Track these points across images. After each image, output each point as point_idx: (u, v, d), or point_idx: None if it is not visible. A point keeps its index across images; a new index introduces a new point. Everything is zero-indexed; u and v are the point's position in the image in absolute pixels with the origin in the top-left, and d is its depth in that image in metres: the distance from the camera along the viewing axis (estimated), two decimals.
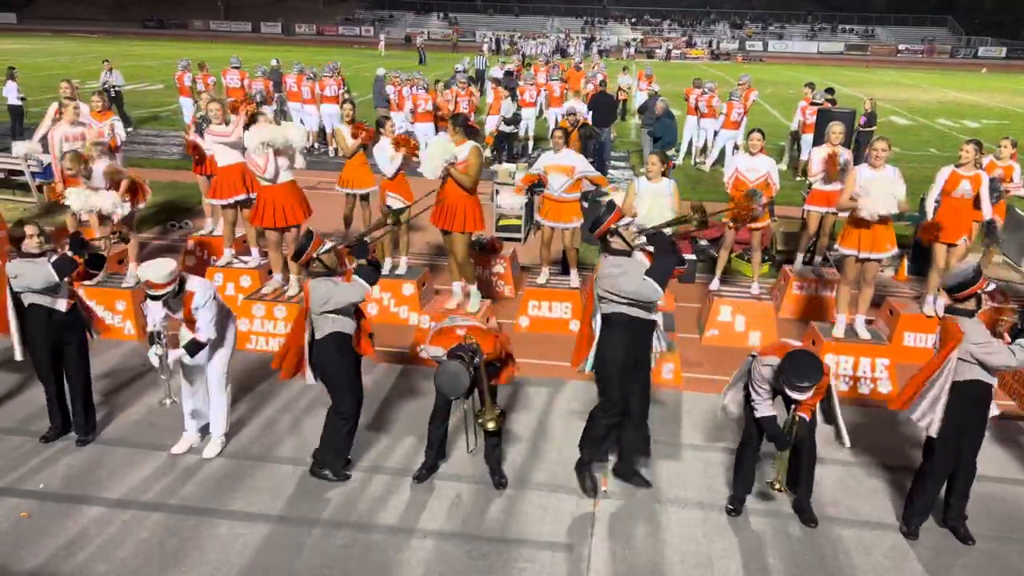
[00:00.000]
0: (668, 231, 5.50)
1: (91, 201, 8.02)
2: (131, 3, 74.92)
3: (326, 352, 5.57)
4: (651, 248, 5.42)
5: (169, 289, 5.54)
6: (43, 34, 58.64)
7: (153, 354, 5.71)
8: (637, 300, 5.28)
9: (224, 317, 5.94)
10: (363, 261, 5.61)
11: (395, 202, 8.69)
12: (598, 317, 5.43)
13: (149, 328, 5.75)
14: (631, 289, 5.21)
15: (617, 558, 5.12)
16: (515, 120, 16.79)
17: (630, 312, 5.36)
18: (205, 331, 5.64)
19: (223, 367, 5.99)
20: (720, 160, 16.83)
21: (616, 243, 5.41)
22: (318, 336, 5.55)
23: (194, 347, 5.66)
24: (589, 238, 11.33)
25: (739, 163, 8.56)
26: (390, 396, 7.14)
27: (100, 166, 8.07)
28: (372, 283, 5.53)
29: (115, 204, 8.06)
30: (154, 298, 5.57)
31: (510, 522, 5.44)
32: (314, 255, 5.48)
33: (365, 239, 5.97)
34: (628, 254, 5.42)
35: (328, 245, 5.56)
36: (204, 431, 6.21)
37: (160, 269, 5.50)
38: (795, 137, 17.06)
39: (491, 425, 5.33)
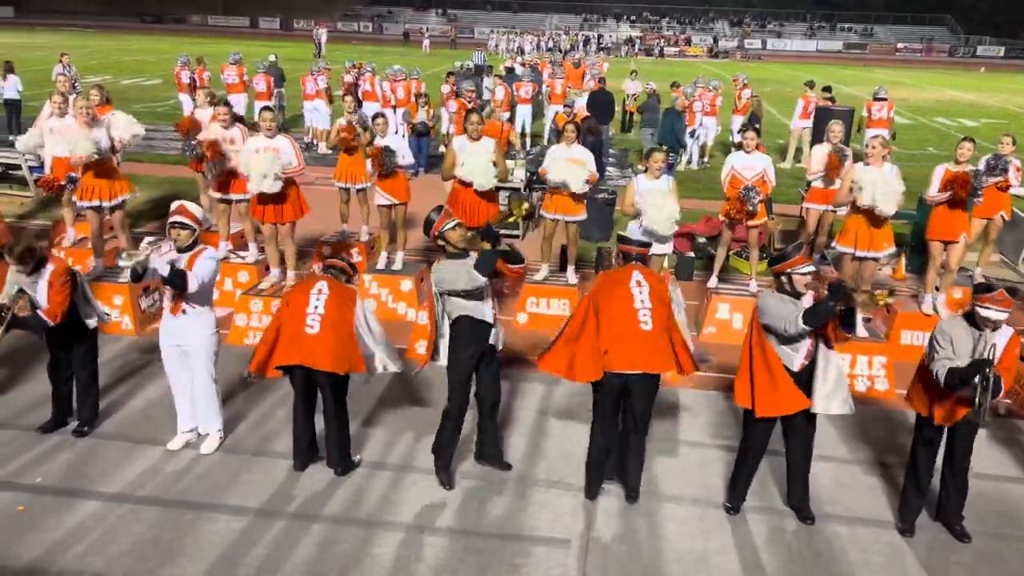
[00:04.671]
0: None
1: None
2: None
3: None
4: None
5: (193, 227, 5.64)
6: (41, 28, 58.48)
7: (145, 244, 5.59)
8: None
9: (210, 296, 5.91)
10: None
11: (383, 200, 8.70)
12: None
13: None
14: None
15: (614, 554, 5.12)
16: (424, 131, 15.64)
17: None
18: (196, 277, 5.57)
19: (208, 366, 5.92)
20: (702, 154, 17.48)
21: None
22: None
23: (179, 276, 5.50)
24: (589, 235, 11.38)
25: (735, 161, 8.56)
26: (388, 392, 7.14)
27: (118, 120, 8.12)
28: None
29: (92, 141, 7.95)
30: (175, 224, 5.61)
31: (507, 518, 5.43)
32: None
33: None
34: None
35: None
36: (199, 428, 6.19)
37: (198, 208, 5.74)
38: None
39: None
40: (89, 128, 8.06)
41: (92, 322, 6.04)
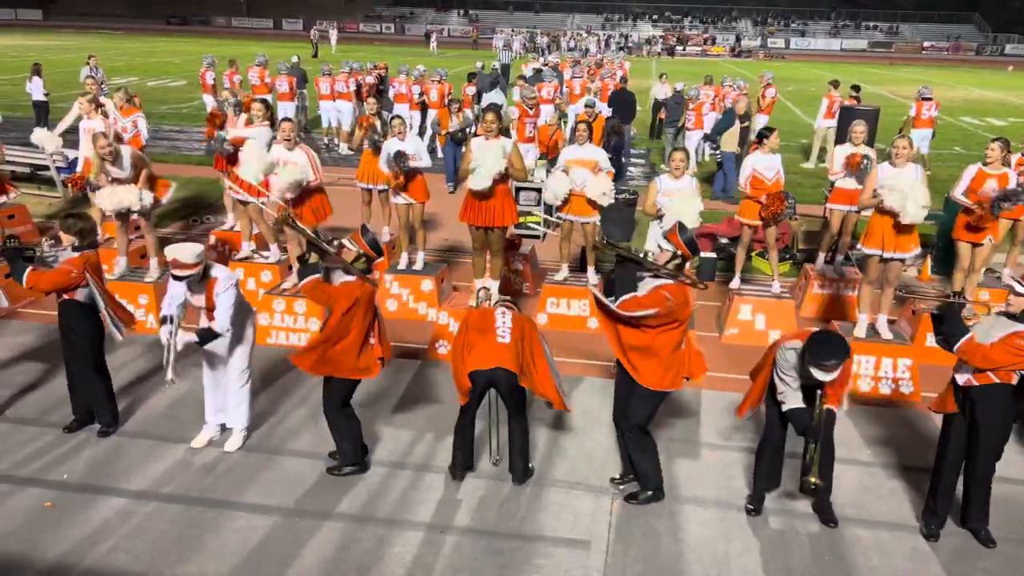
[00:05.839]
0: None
1: (119, 197, 7.99)
2: (156, 0, 75.54)
3: None
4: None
5: (194, 272, 5.59)
6: (68, 30, 59.29)
7: (164, 332, 5.63)
8: None
9: (244, 312, 5.97)
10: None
11: (400, 199, 8.74)
12: None
13: (164, 312, 5.71)
14: None
15: (634, 556, 5.11)
16: (461, 139, 14.42)
17: None
18: (222, 320, 5.65)
19: (244, 362, 6.02)
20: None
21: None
22: None
23: (207, 335, 5.65)
24: (610, 236, 11.34)
25: (755, 162, 8.49)
26: (409, 392, 7.17)
27: (127, 152, 8.09)
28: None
29: (139, 198, 8.04)
30: (178, 278, 5.60)
31: (527, 518, 5.44)
32: None
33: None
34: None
35: None
36: (224, 425, 6.25)
37: (189, 250, 5.60)
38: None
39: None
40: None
41: (116, 335, 6.07)
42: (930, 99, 15.64)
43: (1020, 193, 7.60)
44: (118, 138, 8.60)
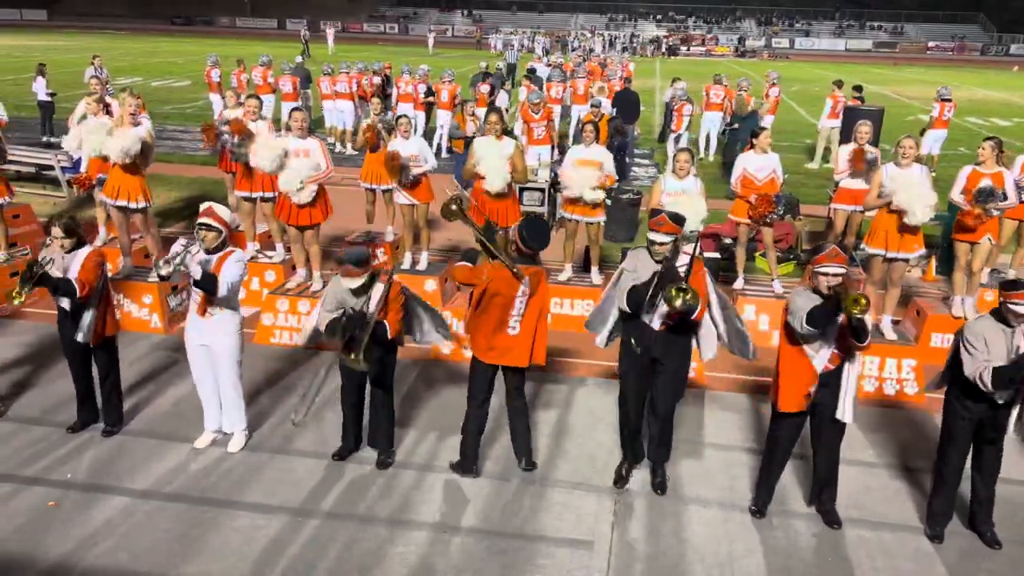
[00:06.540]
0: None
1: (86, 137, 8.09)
2: (159, 0, 75.67)
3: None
4: None
5: (220, 228, 5.66)
6: (72, 31, 59.42)
7: (177, 247, 5.62)
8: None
9: (237, 311, 5.94)
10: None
11: (404, 199, 8.74)
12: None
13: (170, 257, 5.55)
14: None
15: (638, 556, 5.10)
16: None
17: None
18: (224, 281, 5.61)
19: (233, 366, 5.96)
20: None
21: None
22: None
23: (208, 278, 5.54)
24: (613, 236, 11.34)
25: (747, 163, 8.46)
26: (412, 391, 7.17)
27: (146, 123, 8.14)
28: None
29: (124, 151, 7.91)
30: (203, 226, 5.62)
31: (530, 518, 5.43)
32: None
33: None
34: None
35: None
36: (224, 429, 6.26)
37: (226, 210, 5.76)
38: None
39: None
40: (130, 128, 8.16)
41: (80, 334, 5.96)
42: (950, 100, 15.66)
43: (996, 193, 7.52)
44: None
